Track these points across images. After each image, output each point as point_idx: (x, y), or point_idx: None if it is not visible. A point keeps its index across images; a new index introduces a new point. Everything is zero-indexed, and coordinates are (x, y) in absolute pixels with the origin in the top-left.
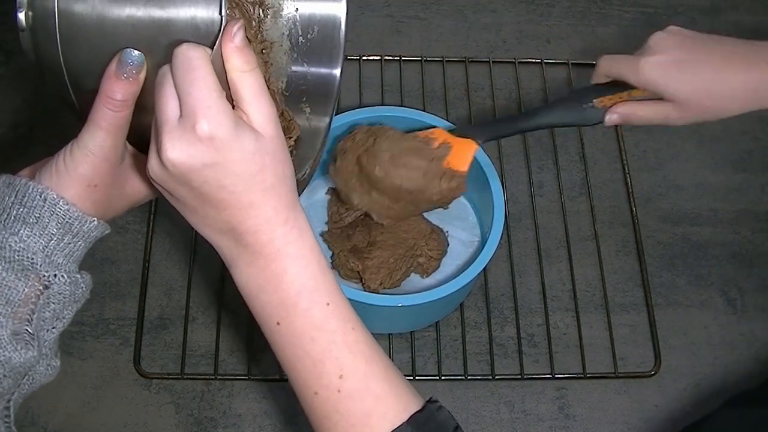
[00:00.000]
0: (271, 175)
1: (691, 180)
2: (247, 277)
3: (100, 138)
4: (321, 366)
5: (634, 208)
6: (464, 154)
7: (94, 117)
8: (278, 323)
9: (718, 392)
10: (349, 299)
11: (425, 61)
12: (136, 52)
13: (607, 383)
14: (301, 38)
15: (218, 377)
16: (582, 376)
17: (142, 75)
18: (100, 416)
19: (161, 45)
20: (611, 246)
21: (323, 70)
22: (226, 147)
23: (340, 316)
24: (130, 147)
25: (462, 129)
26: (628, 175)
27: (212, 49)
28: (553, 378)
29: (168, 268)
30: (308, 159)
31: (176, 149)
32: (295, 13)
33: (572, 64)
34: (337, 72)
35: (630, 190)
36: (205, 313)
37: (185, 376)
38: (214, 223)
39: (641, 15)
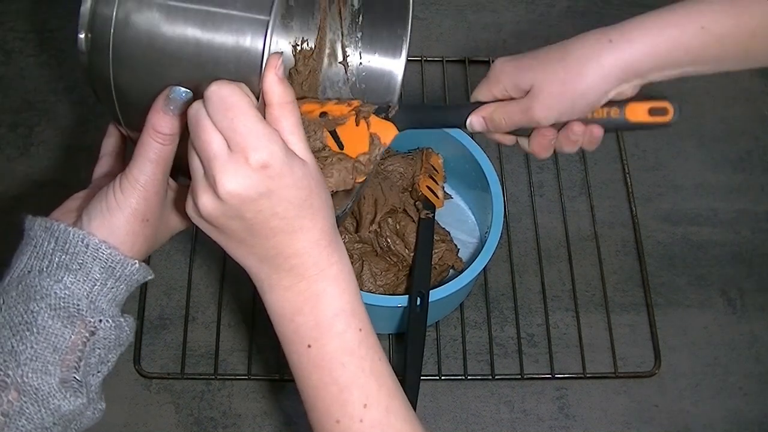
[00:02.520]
0: (317, 199)
1: (691, 180)
2: (283, 300)
3: (149, 171)
4: (347, 393)
5: (634, 208)
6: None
7: (143, 150)
8: (309, 345)
9: (718, 392)
10: None
11: (425, 61)
12: (184, 89)
13: (607, 383)
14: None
15: (218, 377)
16: (582, 376)
17: None
18: None
19: (208, 72)
20: (611, 246)
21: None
22: (279, 174)
23: (369, 344)
24: (171, 181)
25: (383, 110)
26: (628, 175)
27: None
28: (553, 378)
29: (168, 268)
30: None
31: (232, 182)
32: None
33: None
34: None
35: (630, 190)
36: (205, 313)
37: (185, 376)
38: (260, 251)
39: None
